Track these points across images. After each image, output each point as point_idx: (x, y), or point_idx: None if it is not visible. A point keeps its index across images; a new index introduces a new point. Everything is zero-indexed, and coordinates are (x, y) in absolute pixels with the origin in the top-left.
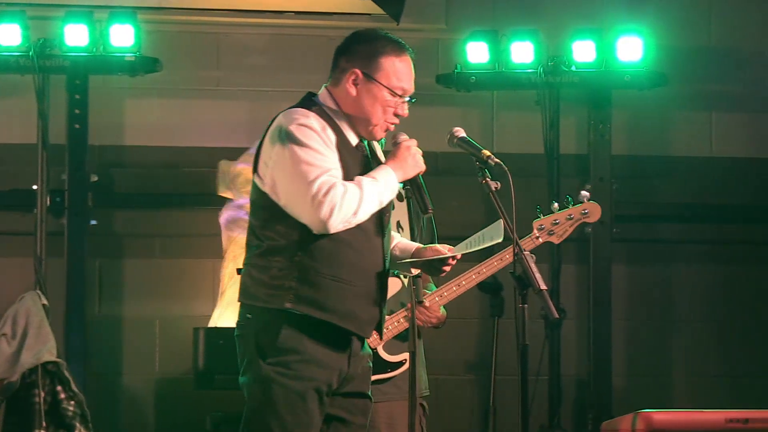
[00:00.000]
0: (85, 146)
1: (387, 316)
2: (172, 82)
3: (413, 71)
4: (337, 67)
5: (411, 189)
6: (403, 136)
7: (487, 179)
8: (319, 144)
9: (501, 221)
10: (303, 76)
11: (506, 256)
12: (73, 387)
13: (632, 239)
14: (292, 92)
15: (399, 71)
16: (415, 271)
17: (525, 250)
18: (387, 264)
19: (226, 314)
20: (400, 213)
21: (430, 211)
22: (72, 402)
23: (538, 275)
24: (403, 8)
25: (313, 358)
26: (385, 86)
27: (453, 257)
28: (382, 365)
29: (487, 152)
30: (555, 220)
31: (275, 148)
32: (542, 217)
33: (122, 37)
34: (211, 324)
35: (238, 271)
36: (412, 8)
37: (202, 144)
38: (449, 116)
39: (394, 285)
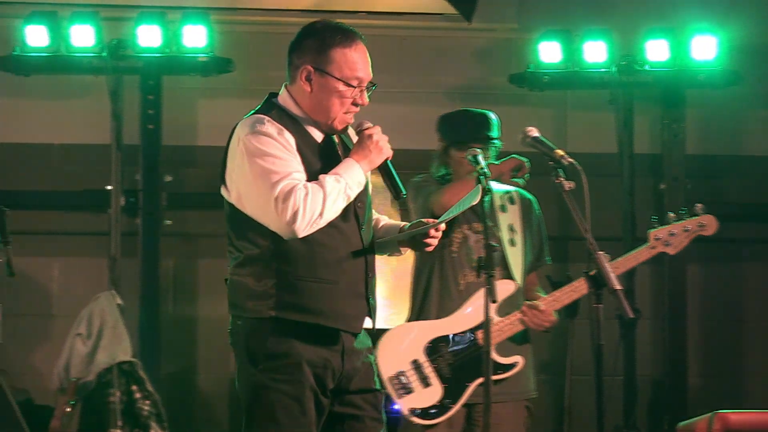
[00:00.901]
0: (159, 146)
1: (500, 318)
2: (244, 83)
3: (368, 58)
4: (291, 64)
5: (381, 176)
6: (366, 125)
7: (561, 179)
8: (276, 149)
9: (480, 187)
10: (374, 76)
11: (625, 264)
12: (148, 386)
13: (707, 239)
14: None
15: (351, 61)
16: (404, 250)
17: (599, 250)
18: (368, 255)
19: None
20: (513, 217)
21: (402, 195)
22: (147, 401)
23: (612, 275)
24: (476, 8)
25: (304, 359)
26: (338, 78)
27: (435, 229)
28: (493, 367)
29: (560, 152)
30: (671, 232)
31: (236, 159)
32: (658, 228)
33: (195, 37)
34: None
35: (226, 281)
36: (484, 8)
37: None
38: (522, 116)
39: (508, 287)
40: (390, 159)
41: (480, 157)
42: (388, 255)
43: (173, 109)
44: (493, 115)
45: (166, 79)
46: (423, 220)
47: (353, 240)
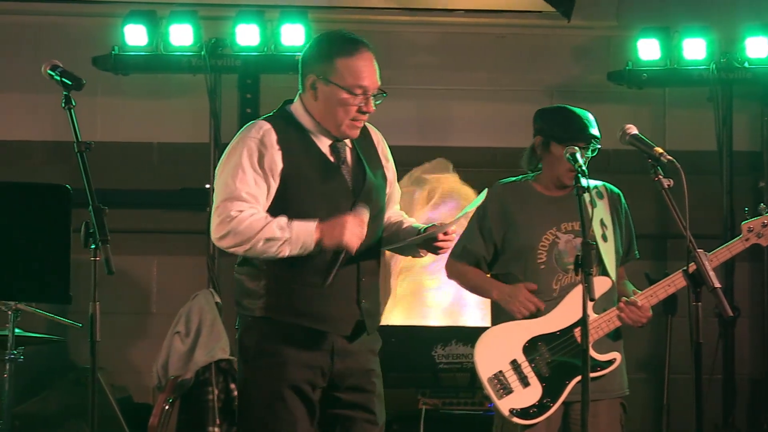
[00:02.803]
0: None
1: (597, 315)
2: None
3: (375, 66)
4: (301, 73)
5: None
6: (360, 212)
7: (660, 176)
8: (250, 161)
9: (486, 190)
10: (472, 74)
11: (717, 256)
12: None
13: None
14: (462, 90)
15: (354, 70)
16: (423, 253)
17: (698, 248)
18: (363, 261)
19: (396, 312)
20: (603, 211)
21: (328, 282)
22: None
23: (711, 273)
24: (574, 5)
25: (289, 359)
26: (341, 87)
27: (444, 233)
28: (591, 364)
29: (659, 149)
30: (764, 223)
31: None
32: (750, 220)
33: (293, 36)
34: (383, 322)
35: None
36: (583, 5)
37: None
38: (621, 113)
39: (604, 284)
40: (346, 252)
41: (578, 155)
42: (413, 256)
43: (271, 107)
44: (590, 115)
45: (264, 77)
46: (435, 224)
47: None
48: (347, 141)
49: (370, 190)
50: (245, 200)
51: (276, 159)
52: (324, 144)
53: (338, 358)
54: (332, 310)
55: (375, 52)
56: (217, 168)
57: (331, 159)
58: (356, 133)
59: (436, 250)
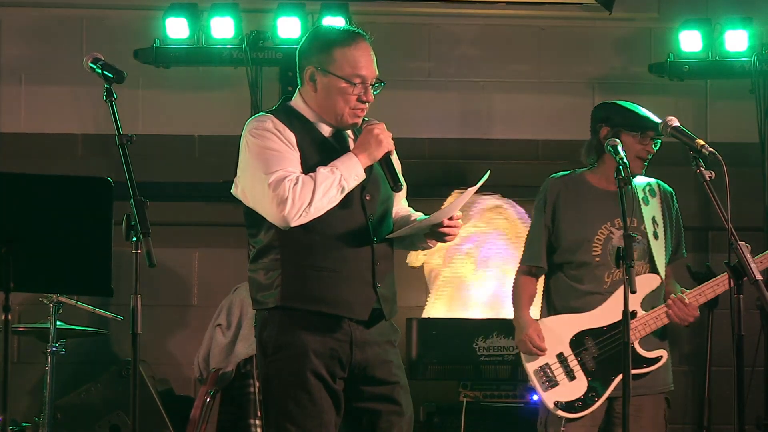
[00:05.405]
0: None
1: (645, 312)
2: (383, 74)
3: (372, 56)
4: (299, 67)
5: (381, 167)
6: (372, 122)
7: (702, 168)
8: (274, 143)
9: (487, 173)
10: (513, 66)
11: (763, 260)
12: None
13: None
14: (503, 82)
15: (352, 60)
16: (431, 243)
17: (740, 240)
18: (377, 245)
19: (438, 304)
20: (655, 209)
21: (400, 187)
22: None
23: (753, 265)
24: None
25: (309, 349)
26: (340, 77)
27: (450, 218)
28: (638, 361)
29: (701, 141)
30: None
31: (240, 155)
32: None
33: None
34: (424, 314)
35: None
36: None
37: (414, 135)
38: (662, 105)
39: (653, 281)
40: (391, 152)
41: (619, 148)
42: (422, 249)
43: None
44: None
45: None
46: (438, 213)
47: (358, 230)
48: (349, 132)
49: (378, 179)
50: (286, 174)
51: (289, 136)
52: (327, 133)
53: (357, 348)
54: (348, 294)
55: (372, 43)
56: (239, 167)
57: (337, 147)
58: (358, 121)
59: (442, 238)
